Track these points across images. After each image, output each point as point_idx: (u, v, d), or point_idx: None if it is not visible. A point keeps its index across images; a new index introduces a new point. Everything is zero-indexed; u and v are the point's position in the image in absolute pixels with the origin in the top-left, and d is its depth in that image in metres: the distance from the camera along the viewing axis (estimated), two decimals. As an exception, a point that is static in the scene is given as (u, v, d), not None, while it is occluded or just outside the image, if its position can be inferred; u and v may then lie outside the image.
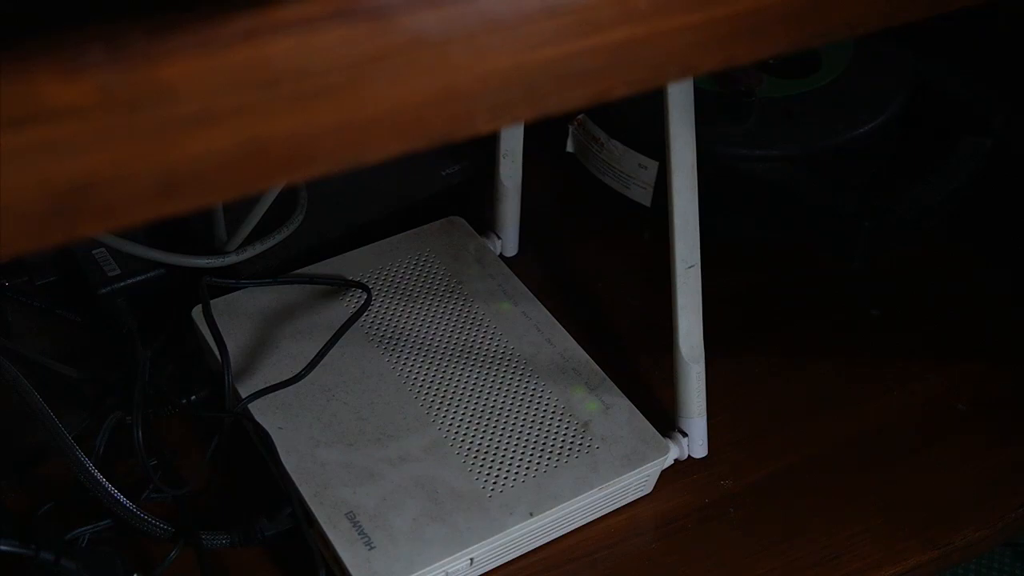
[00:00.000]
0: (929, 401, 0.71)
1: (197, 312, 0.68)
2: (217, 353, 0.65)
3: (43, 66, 0.25)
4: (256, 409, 0.64)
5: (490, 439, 0.63)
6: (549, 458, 0.62)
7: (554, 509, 0.60)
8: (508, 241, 0.78)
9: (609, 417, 0.64)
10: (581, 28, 0.31)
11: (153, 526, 0.58)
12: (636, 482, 0.63)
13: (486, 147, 0.76)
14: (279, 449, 0.61)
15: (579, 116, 0.78)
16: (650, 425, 0.64)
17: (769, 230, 0.75)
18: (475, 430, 0.63)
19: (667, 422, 0.66)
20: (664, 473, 0.65)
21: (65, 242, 0.27)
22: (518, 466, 0.62)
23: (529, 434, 0.63)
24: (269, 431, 0.62)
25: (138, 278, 0.71)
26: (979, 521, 0.65)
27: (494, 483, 0.61)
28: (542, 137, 0.79)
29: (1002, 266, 0.80)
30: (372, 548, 0.57)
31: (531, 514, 0.59)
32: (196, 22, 0.27)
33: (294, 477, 0.60)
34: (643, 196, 0.76)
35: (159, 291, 0.72)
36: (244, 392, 0.64)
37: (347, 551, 0.57)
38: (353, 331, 0.68)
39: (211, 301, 0.67)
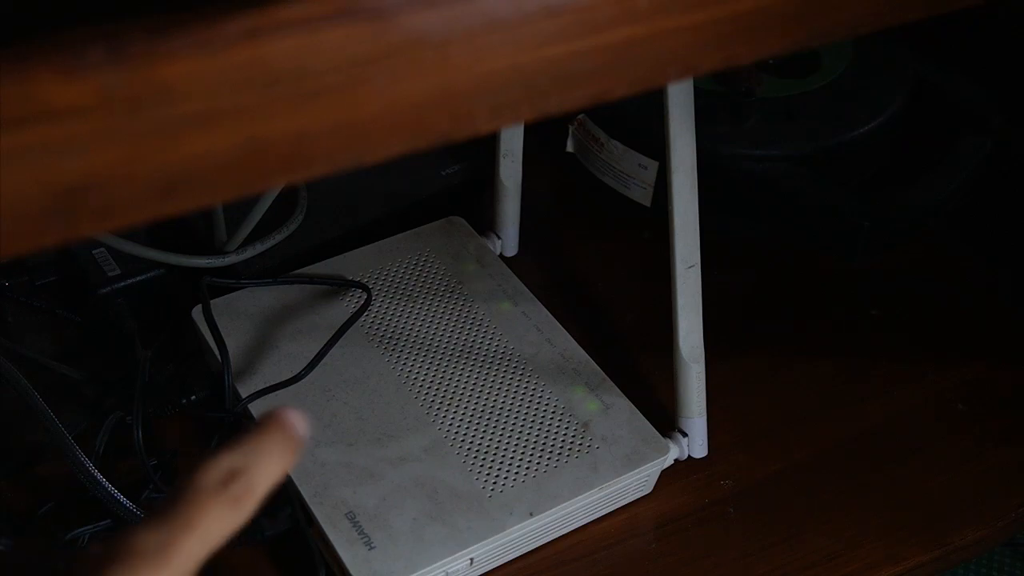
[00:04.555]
0: (929, 401, 0.71)
1: (197, 312, 0.68)
2: (217, 353, 0.65)
3: (43, 66, 0.25)
4: (256, 409, 0.64)
5: (490, 439, 0.63)
6: (549, 458, 0.62)
7: (554, 509, 0.60)
8: (508, 241, 0.78)
9: (609, 417, 0.64)
10: (581, 28, 0.31)
11: (153, 526, 0.58)
12: (636, 482, 0.63)
13: (486, 147, 0.76)
14: (279, 449, 0.61)
15: (579, 116, 0.78)
16: (650, 425, 0.64)
17: (769, 230, 0.75)
18: (475, 430, 0.63)
19: (667, 422, 0.66)
20: (664, 473, 0.65)
21: (65, 242, 0.27)
22: (518, 466, 0.62)
23: (529, 434, 0.63)
24: (269, 431, 0.62)
25: (138, 278, 0.71)
26: (979, 521, 0.65)
27: (494, 483, 0.61)
28: (542, 137, 0.79)
29: (1002, 266, 0.80)
30: (372, 548, 0.57)
31: (531, 514, 0.59)
32: (196, 22, 0.27)
33: (294, 477, 0.60)
34: (643, 196, 0.76)
35: (159, 291, 0.72)
36: (244, 392, 0.64)
37: (347, 551, 0.57)
38: (353, 331, 0.68)
39: (211, 301, 0.67)
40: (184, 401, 0.66)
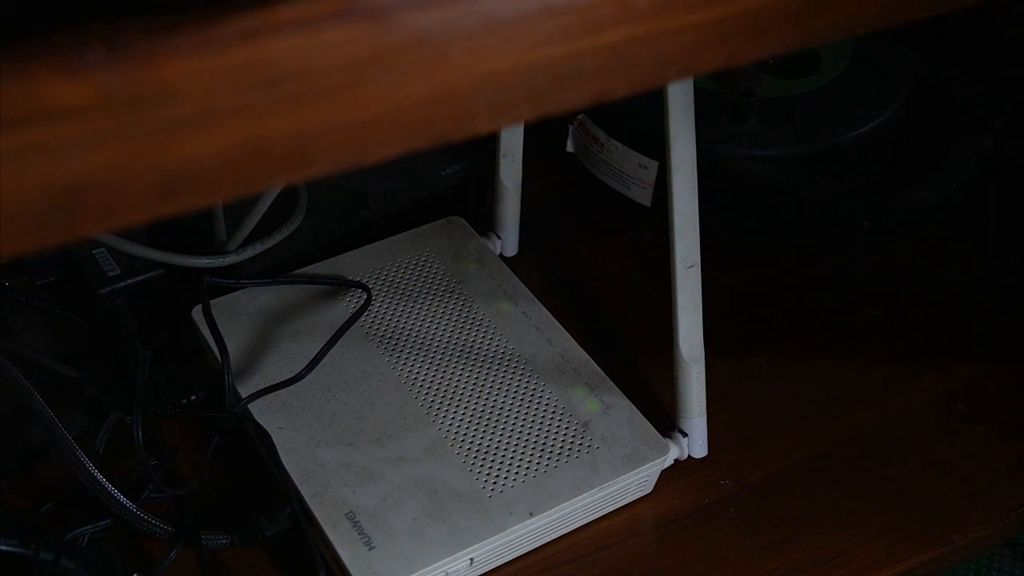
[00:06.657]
0: (929, 401, 0.71)
1: (197, 312, 0.68)
2: (217, 353, 0.65)
3: (43, 66, 0.25)
4: (256, 409, 0.64)
5: (490, 439, 0.63)
6: (549, 458, 0.62)
7: (554, 509, 0.60)
8: (508, 241, 0.78)
9: (609, 417, 0.64)
10: (581, 28, 0.31)
11: (153, 526, 0.58)
12: (636, 482, 0.63)
13: (486, 147, 0.76)
14: (279, 449, 0.61)
15: (579, 116, 0.78)
16: (650, 425, 0.64)
17: (769, 230, 0.75)
18: (475, 430, 0.63)
19: (667, 422, 0.66)
20: (664, 473, 0.65)
21: (65, 242, 0.27)
22: (518, 466, 0.62)
23: (529, 434, 0.63)
24: (269, 431, 0.62)
25: (138, 278, 0.71)
26: (979, 521, 0.65)
27: (494, 483, 0.61)
28: (542, 137, 0.79)
29: (1002, 267, 0.80)
30: (372, 548, 0.57)
31: (531, 514, 0.59)
32: (196, 22, 0.27)
33: (294, 477, 0.60)
34: (643, 196, 0.76)
35: (159, 291, 0.72)
36: (244, 392, 0.64)
37: (347, 551, 0.57)
38: (353, 331, 0.68)
39: (211, 301, 0.67)
40: (184, 401, 0.66)
